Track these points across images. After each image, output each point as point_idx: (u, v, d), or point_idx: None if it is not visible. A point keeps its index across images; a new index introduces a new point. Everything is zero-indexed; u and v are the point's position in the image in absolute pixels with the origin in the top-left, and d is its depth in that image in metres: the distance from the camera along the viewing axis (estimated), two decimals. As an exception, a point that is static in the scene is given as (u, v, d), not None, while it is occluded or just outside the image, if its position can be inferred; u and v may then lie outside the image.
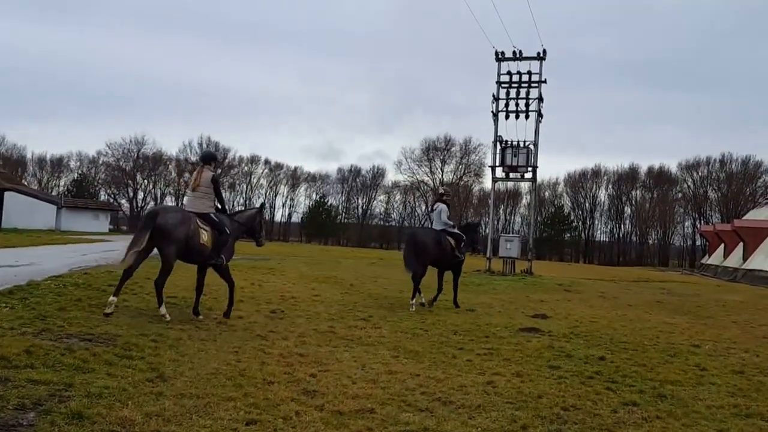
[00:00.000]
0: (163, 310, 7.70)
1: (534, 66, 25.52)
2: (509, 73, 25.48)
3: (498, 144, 25.82)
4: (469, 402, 5.24)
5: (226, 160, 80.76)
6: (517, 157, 24.77)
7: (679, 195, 76.29)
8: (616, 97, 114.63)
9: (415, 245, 11.11)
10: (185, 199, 8.43)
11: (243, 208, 10.30)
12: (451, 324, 9.73)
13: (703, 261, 52.84)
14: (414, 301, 11.12)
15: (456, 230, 11.85)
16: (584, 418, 5.07)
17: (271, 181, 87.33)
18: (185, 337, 6.95)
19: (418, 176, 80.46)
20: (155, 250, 7.79)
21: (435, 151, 79.54)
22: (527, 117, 25.50)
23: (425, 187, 79.84)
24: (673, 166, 78.62)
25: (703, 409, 5.62)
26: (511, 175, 26.19)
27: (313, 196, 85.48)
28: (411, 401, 5.13)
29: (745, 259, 37.94)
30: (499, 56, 25.92)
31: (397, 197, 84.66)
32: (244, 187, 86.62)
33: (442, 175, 79.25)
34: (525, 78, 25.23)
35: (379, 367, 6.24)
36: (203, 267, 8.43)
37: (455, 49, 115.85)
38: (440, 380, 5.91)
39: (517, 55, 25.46)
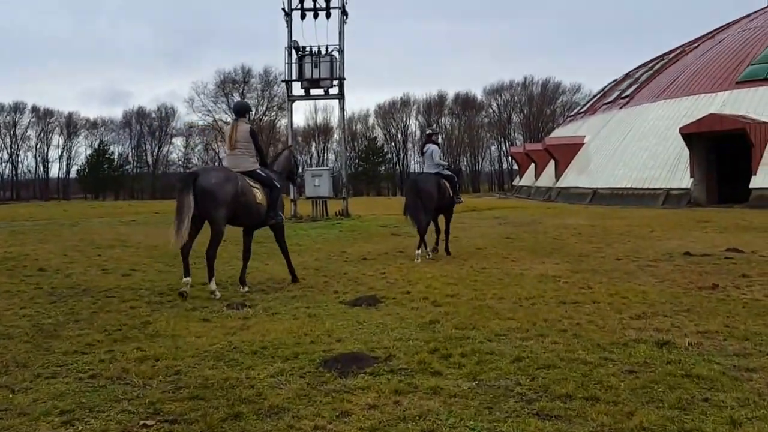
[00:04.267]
0: (212, 285, 6.86)
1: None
2: (301, -45, 19.36)
3: (294, 51, 19.84)
4: None
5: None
6: (318, 68, 19.04)
7: (486, 120, 77.13)
8: (419, 26, 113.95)
9: (419, 193, 10.24)
10: (225, 159, 7.75)
11: (274, 156, 8.77)
12: (172, 358, 4.10)
13: (515, 183, 52.86)
14: (420, 251, 10.08)
15: (449, 171, 11.10)
16: None
17: (40, 132, 72.96)
18: None
19: (215, 114, 71.46)
20: None
21: (232, 84, 70.75)
22: (329, 16, 19.76)
23: (226, 126, 71.35)
24: (478, 91, 79.02)
25: None
26: (313, 91, 20.38)
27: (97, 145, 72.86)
28: None
29: (557, 177, 37.12)
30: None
31: (197, 140, 75.09)
32: (8, 140, 71.48)
33: (242, 111, 71.03)
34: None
35: None
36: (251, 230, 7.78)
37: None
38: None
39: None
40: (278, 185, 7.74)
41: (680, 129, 25.87)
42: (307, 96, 20.94)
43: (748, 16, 37.04)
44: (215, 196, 6.72)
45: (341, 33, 20.06)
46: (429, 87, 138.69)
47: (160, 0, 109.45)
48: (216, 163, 70.86)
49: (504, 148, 74.24)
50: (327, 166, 47.87)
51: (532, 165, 44.23)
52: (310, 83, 19.81)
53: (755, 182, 23.68)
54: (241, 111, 7.74)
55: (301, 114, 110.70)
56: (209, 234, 7.01)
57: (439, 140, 11.63)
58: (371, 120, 77.93)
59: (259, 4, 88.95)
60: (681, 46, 40.65)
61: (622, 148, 31.34)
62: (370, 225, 17.35)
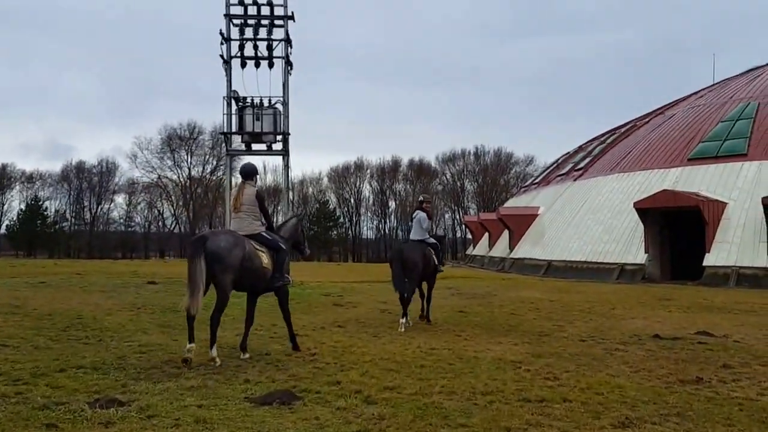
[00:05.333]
0: (214, 352, 6.75)
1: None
2: (242, 2, 18.43)
3: (233, 102, 18.63)
4: None
5: None
6: (260, 121, 17.87)
7: (440, 187, 77.25)
8: (374, 91, 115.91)
9: (405, 263, 10.15)
10: (231, 222, 7.80)
11: (281, 223, 8.61)
12: None
13: (468, 252, 52.16)
14: (404, 320, 9.84)
15: (432, 240, 11.01)
16: None
17: (-31, 185, 68.96)
18: None
19: (160, 171, 69.17)
20: None
21: (179, 140, 68.93)
22: (271, 65, 18.81)
23: (172, 184, 68.97)
24: (432, 158, 79.52)
25: None
26: (255, 146, 19.14)
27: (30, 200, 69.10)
28: None
29: (511, 247, 36.46)
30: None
31: (140, 198, 72.20)
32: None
33: (189, 170, 69.15)
34: (265, 11, 18.34)
35: None
36: (255, 296, 7.73)
37: (198, 25, 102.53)
38: None
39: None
40: (284, 247, 7.71)
41: (635, 203, 25.61)
42: (248, 151, 19.58)
43: (696, 93, 38.11)
44: (223, 260, 6.74)
45: (285, 84, 19.05)
46: (383, 152, 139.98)
47: (105, 51, 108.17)
48: (179, 224, 68.33)
49: (458, 217, 74.15)
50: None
51: (486, 234, 43.63)
52: (252, 137, 18.55)
53: (708, 260, 23.35)
54: (248, 174, 7.69)
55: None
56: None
57: (431, 208, 11.44)
58: (324, 183, 77.14)
59: (209, 58, 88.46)
60: (632, 120, 41.44)
61: (576, 221, 30.94)
62: (312, 293, 15.79)
